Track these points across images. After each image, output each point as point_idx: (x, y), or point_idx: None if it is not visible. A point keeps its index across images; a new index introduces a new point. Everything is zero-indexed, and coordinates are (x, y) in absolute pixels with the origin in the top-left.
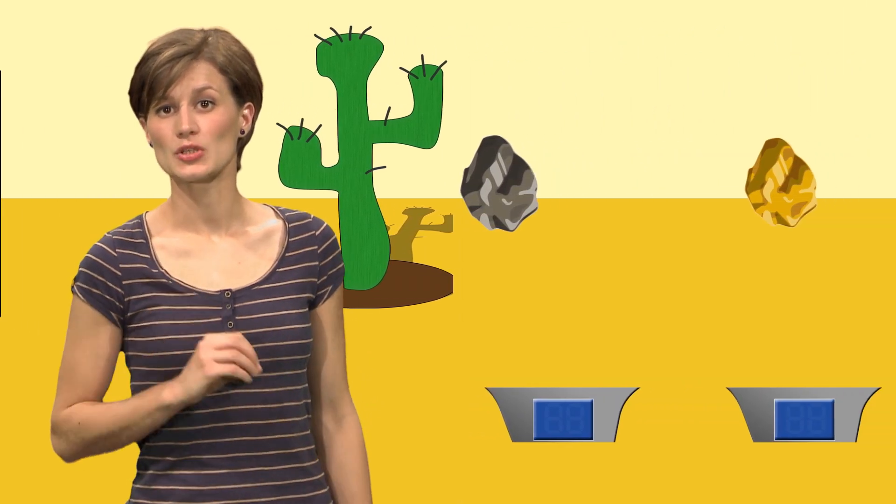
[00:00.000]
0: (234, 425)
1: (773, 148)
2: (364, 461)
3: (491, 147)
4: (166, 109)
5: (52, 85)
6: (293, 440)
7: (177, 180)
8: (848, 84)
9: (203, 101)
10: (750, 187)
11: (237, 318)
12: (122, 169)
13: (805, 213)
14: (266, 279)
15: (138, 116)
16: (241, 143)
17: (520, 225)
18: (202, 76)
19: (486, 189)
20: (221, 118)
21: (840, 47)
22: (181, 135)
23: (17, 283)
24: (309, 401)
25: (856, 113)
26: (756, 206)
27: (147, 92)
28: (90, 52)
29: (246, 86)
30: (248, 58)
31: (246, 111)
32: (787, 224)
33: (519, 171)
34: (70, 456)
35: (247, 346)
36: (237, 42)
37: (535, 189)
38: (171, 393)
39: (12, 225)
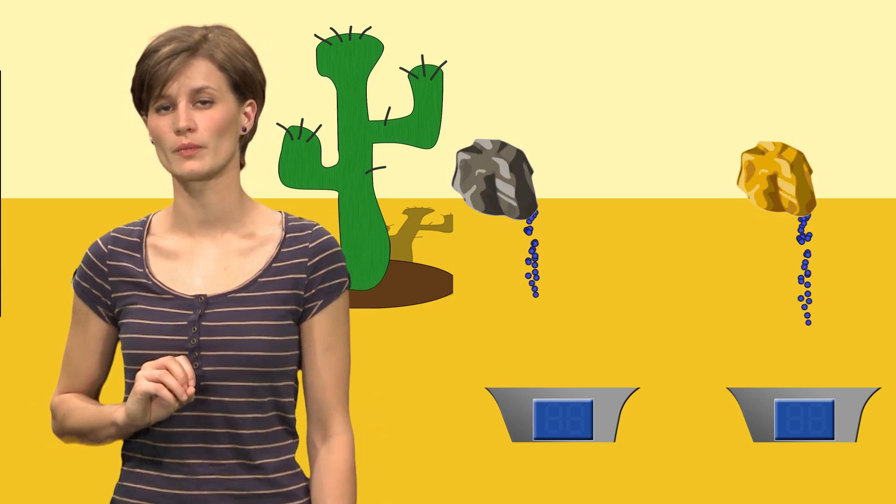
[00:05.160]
0: (189, 431)
1: (807, 167)
2: (344, 484)
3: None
4: (165, 107)
5: (52, 85)
6: (258, 452)
7: (177, 178)
8: (848, 84)
9: (202, 100)
10: (763, 145)
11: (203, 323)
12: (123, 169)
13: (752, 193)
14: (244, 288)
15: (141, 114)
16: (244, 140)
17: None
18: (200, 75)
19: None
20: (220, 116)
21: (840, 47)
22: (179, 132)
23: (17, 283)
24: (290, 416)
25: (855, 113)
26: (752, 151)
27: (145, 89)
28: (90, 52)
29: (247, 83)
30: (249, 55)
31: (248, 108)
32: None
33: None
34: (62, 439)
35: (177, 369)
36: (239, 38)
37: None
38: (120, 413)
39: (12, 225)
